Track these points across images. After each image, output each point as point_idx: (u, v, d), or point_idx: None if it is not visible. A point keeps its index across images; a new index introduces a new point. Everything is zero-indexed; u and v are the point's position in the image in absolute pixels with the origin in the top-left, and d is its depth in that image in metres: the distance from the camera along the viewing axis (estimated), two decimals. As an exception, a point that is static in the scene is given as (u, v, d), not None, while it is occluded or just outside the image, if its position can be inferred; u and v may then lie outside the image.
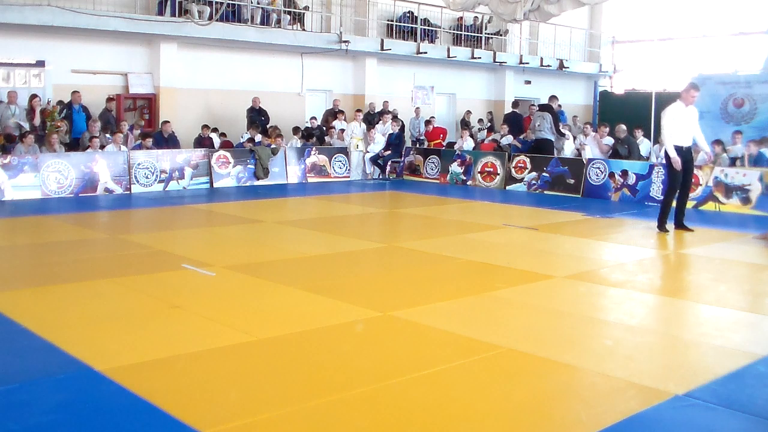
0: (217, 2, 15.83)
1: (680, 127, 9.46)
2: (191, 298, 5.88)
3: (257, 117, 16.24)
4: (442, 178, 15.77)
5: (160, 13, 15.41)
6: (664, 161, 10.24)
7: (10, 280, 6.42)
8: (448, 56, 20.27)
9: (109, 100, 14.76)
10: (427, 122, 18.68)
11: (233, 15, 16.38)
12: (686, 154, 9.53)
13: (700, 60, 22.65)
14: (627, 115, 15.48)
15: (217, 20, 15.53)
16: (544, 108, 15.31)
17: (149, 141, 13.91)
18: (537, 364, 4.47)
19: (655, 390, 4.04)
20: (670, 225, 9.58)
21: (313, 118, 17.48)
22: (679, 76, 21.05)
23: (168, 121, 14.93)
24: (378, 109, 18.24)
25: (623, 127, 14.44)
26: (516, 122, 17.78)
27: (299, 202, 12.88)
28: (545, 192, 14.12)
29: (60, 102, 13.75)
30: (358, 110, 17.01)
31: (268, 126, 16.20)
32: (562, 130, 15.03)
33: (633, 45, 25.74)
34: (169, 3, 15.43)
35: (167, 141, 14.41)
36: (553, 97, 16.06)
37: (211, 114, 16.65)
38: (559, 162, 14.18)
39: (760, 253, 8.40)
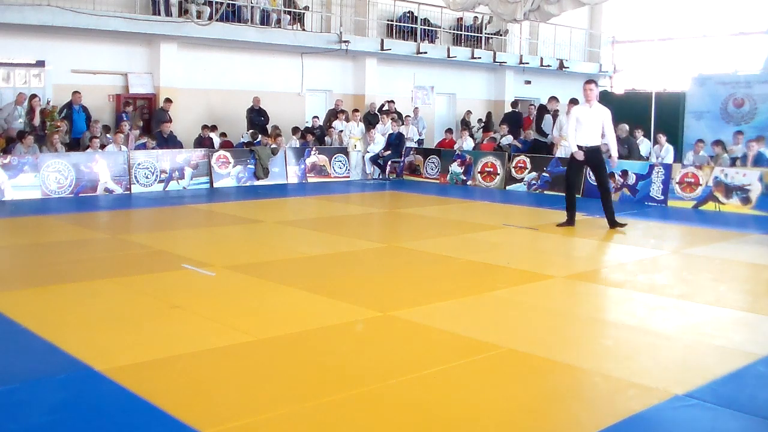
0: (217, 2, 15.83)
1: (583, 127, 9.43)
2: (191, 298, 5.88)
3: (257, 117, 16.24)
4: (442, 178, 15.77)
5: (156, 12, 15.38)
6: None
7: (10, 280, 6.42)
8: (448, 56, 20.27)
9: (131, 107, 15.11)
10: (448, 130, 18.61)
11: (233, 15, 16.38)
12: (588, 153, 9.49)
13: (700, 60, 22.66)
14: (627, 115, 15.44)
15: (216, 20, 15.52)
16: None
17: (152, 141, 13.89)
18: (537, 364, 4.47)
19: (655, 390, 4.04)
20: (606, 221, 9.68)
21: (315, 117, 17.48)
22: (679, 76, 21.09)
23: (168, 121, 14.92)
24: (382, 108, 18.23)
25: (625, 127, 14.43)
26: (516, 122, 17.77)
27: (299, 202, 12.88)
28: (545, 192, 14.12)
29: (54, 107, 13.69)
30: (356, 110, 17.00)
31: (267, 126, 16.21)
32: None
33: (633, 45, 25.74)
34: (162, 3, 15.39)
35: (167, 141, 14.41)
36: (552, 99, 16.08)
37: (211, 114, 16.65)
38: (559, 162, 14.17)
39: (760, 253, 8.40)
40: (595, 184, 10.10)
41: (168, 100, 15.21)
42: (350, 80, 19.61)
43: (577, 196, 13.38)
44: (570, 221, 9.79)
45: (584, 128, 9.44)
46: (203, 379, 4.12)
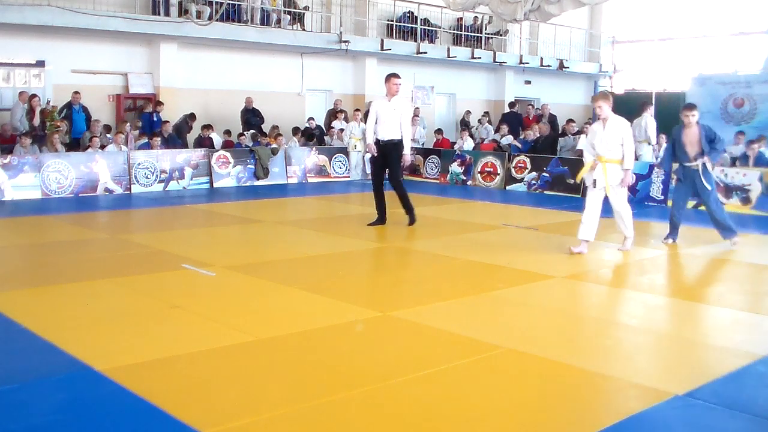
0: (217, 2, 15.83)
1: (381, 121, 9.31)
2: (191, 298, 5.88)
3: (252, 117, 16.24)
4: (442, 178, 15.77)
5: (156, 12, 15.39)
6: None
7: (10, 280, 6.42)
8: (448, 56, 20.27)
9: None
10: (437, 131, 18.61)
11: (233, 15, 16.38)
12: (384, 147, 9.37)
13: (700, 60, 22.66)
14: (627, 115, 15.43)
15: (217, 20, 15.53)
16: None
17: (157, 140, 13.90)
18: (537, 364, 4.47)
19: (655, 390, 4.04)
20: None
21: (311, 118, 17.47)
22: (679, 76, 21.10)
23: (168, 121, 14.94)
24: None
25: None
26: (515, 122, 17.77)
27: (299, 202, 12.88)
28: (545, 192, 14.12)
29: (54, 107, 13.71)
30: (357, 110, 17.00)
31: (262, 126, 16.21)
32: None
33: (633, 45, 25.75)
34: (162, 3, 15.44)
35: (167, 141, 14.42)
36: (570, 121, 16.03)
37: (211, 114, 16.64)
38: (559, 162, 14.18)
39: (760, 253, 8.40)
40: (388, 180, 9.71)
41: (159, 103, 15.34)
42: (350, 80, 19.61)
43: (576, 196, 13.49)
44: (380, 219, 9.64)
45: (383, 122, 9.30)
46: (203, 379, 4.12)
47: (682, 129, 8.61)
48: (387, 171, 9.67)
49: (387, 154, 9.45)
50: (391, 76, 9.48)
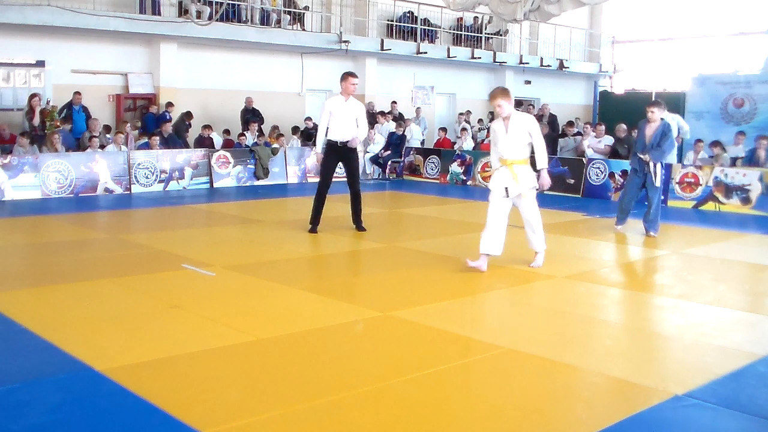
0: (216, 2, 15.83)
1: (338, 122, 8.87)
2: (191, 298, 5.87)
3: (253, 117, 16.24)
4: (442, 178, 15.77)
5: (153, 12, 15.40)
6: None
7: (10, 280, 6.42)
8: (448, 56, 20.27)
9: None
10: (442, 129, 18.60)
11: (233, 15, 16.38)
12: (342, 149, 8.98)
13: (700, 60, 22.66)
14: (627, 115, 15.44)
15: (216, 20, 15.53)
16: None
17: (156, 140, 13.90)
18: (537, 364, 4.47)
19: (655, 390, 4.04)
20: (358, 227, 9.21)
21: (308, 118, 17.46)
22: (679, 76, 21.10)
23: (168, 122, 14.93)
24: (384, 109, 18.21)
25: (623, 126, 14.42)
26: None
27: (299, 202, 12.85)
28: (545, 192, 14.09)
29: (54, 107, 13.71)
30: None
31: (262, 126, 16.20)
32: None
33: (633, 45, 25.74)
34: (158, 2, 15.46)
35: (167, 141, 14.42)
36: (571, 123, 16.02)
37: (211, 114, 16.65)
38: (559, 162, 14.17)
39: (760, 253, 8.40)
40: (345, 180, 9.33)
41: (170, 104, 15.38)
42: (350, 80, 19.59)
43: (576, 196, 13.49)
44: (315, 227, 9.13)
45: (340, 123, 8.88)
46: (203, 379, 4.12)
47: (645, 123, 9.17)
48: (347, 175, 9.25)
49: (345, 156, 9.08)
50: (348, 75, 9.06)
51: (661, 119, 9.06)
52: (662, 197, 9.17)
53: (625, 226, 9.46)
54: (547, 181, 6.96)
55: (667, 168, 12.77)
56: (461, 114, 20.11)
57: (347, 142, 8.91)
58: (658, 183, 9.00)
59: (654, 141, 8.94)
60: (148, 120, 15.32)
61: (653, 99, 10.61)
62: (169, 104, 15.44)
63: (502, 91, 6.94)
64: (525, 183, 6.92)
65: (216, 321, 5.22)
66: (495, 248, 6.93)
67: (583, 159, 14.08)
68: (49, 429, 3.47)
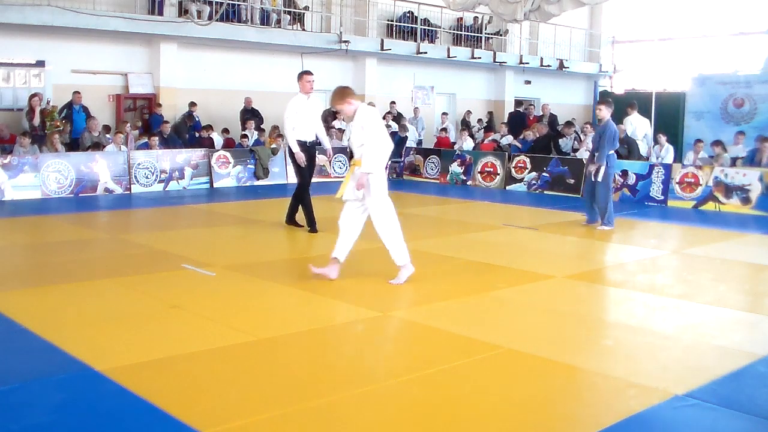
0: (216, 2, 15.83)
1: (303, 121, 8.83)
2: (191, 298, 5.87)
3: (252, 117, 16.24)
4: (442, 178, 15.77)
5: (154, 11, 15.40)
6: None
7: (10, 280, 6.42)
8: (448, 56, 20.27)
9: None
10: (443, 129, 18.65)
11: (233, 15, 16.38)
12: (310, 149, 8.96)
13: (700, 60, 22.66)
14: (626, 114, 15.45)
15: (216, 20, 15.53)
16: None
17: (155, 139, 13.89)
18: (537, 364, 4.47)
19: (655, 390, 4.04)
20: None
21: None
22: (679, 76, 21.09)
23: (168, 121, 14.94)
24: (384, 109, 18.20)
25: (623, 127, 14.41)
26: (518, 122, 17.74)
27: (299, 202, 12.85)
28: (545, 192, 14.12)
29: (54, 107, 13.70)
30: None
31: (262, 126, 16.20)
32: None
33: (633, 45, 25.73)
34: (157, 2, 15.46)
35: (167, 141, 14.42)
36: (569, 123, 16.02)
37: (211, 114, 16.64)
38: (559, 162, 14.18)
39: (760, 253, 8.40)
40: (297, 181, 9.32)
41: (193, 104, 15.61)
42: (350, 80, 19.57)
43: (576, 196, 13.48)
44: (314, 227, 9.10)
45: (305, 122, 8.86)
46: (203, 379, 4.12)
47: (599, 122, 9.79)
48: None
49: (312, 156, 9.04)
50: (304, 74, 9.01)
51: (610, 118, 9.59)
52: (611, 191, 9.72)
53: (595, 224, 9.69)
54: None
55: (667, 168, 12.80)
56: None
57: (313, 142, 9.02)
58: (599, 178, 9.49)
59: (594, 144, 9.71)
60: (155, 121, 15.24)
61: (603, 97, 11.29)
62: (158, 104, 15.45)
63: (340, 91, 6.61)
64: (352, 185, 6.45)
65: (216, 321, 5.23)
66: (343, 254, 6.49)
67: (583, 159, 14.06)
68: (49, 429, 3.47)
